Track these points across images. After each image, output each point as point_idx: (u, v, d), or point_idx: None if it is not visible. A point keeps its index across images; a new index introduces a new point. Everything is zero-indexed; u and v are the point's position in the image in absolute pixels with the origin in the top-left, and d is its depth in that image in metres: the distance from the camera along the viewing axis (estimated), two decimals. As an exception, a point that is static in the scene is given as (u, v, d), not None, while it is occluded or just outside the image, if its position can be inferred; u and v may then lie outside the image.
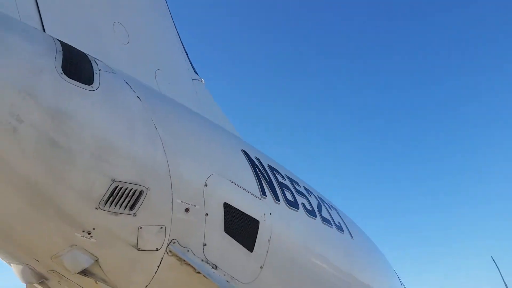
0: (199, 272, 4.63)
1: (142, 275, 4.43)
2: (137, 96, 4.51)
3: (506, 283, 20.79)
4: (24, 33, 3.82)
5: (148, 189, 4.19)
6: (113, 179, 3.92)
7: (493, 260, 22.14)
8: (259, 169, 6.06)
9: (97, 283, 4.38)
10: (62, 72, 3.78)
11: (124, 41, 5.91)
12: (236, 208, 5.19)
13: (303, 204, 6.88)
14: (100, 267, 4.14)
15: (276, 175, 6.61)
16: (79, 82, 3.89)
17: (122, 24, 5.95)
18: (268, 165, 6.55)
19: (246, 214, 5.33)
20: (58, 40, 4.04)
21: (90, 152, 3.81)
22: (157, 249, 4.38)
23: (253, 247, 5.37)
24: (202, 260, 4.79)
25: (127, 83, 4.56)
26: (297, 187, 7.17)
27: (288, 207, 6.34)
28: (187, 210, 4.61)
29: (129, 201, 4.08)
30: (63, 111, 3.69)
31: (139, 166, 4.19)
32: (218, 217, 4.95)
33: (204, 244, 4.81)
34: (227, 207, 5.08)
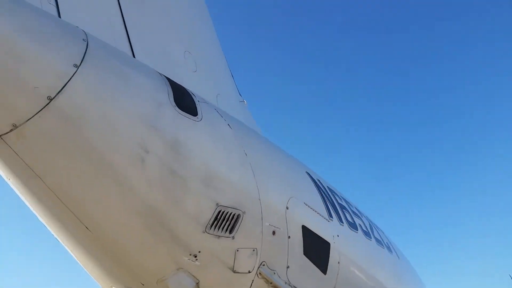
0: None
1: None
2: (228, 125, 4.71)
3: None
4: (143, 70, 4.05)
5: (244, 212, 4.33)
6: (217, 204, 4.08)
7: None
8: (323, 191, 6.21)
9: None
10: (175, 105, 4.01)
11: (193, 69, 6.14)
12: (312, 231, 5.31)
13: (360, 225, 7.00)
14: None
15: (335, 196, 6.75)
16: (189, 114, 4.12)
17: (191, 53, 6.20)
18: (327, 186, 6.69)
19: (320, 237, 5.45)
20: (164, 75, 4.27)
21: (200, 179, 4.01)
22: (249, 272, 4.49)
23: (327, 269, 5.47)
24: (286, 283, 4.88)
25: (217, 111, 4.77)
26: (352, 208, 7.30)
27: (350, 228, 6.46)
28: (273, 233, 4.73)
29: (229, 225, 4.22)
30: (180, 142, 3.91)
31: (237, 191, 4.36)
32: (298, 240, 5.07)
33: (287, 267, 4.91)
34: (305, 230, 5.20)
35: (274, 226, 4.75)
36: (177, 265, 4.03)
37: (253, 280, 4.56)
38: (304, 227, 5.20)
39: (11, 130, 3.29)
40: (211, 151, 4.24)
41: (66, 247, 4.31)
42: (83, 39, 3.57)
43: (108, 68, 3.67)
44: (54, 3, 4.19)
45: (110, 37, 4.57)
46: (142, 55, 5.04)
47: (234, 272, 4.36)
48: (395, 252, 8.64)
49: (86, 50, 3.50)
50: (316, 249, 5.36)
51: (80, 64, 3.40)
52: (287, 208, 5.00)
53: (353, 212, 7.21)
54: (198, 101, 4.45)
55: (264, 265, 4.64)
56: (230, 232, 4.25)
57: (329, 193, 6.51)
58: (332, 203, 6.29)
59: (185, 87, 4.52)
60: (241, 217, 4.31)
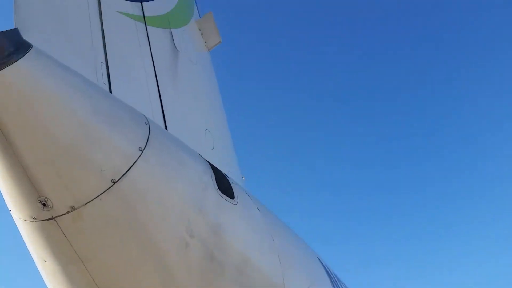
0: None
1: None
2: (257, 207, 4.73)
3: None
4: (191, 153, 4.10)
5: None
6: None
7: None
8: (332, 278, 6.21)
9: None
10: (217, 188, 4.02)
11: (211, 147, 6.24)
12: None
13: None
14: None
15: (338, 282, 6.74)
16: (228, 197, 4.12)
17: (210, 131, 6.34)
18: (332, 271, 6.70)
19: None
20: (205, 159, 4.33)
21: (235, 265, 3.93)
22: None
23: None
24: None
25: (247, 194, 4.81)
26: None
27: None
28: None
29: None
30: (221, 226, 3.86)
31: (266, 279, 4.28)
32: None
33: None
34: None
35: None
36: None
37: None
38: None
39: (68, 212, 3.18)
40: (247, 236, 4.20)
41: None
42: (145, 123, 3.62)
43: (165, 152, 3.70)
44: (106, 80, 4.29)
45: (148, 112, 4.66)
46: (174, 132, 5.12)
47: None
48: None
49: (149, 133, 3.54)
50: None
51: (144, 148, 3.43)
52: None
53: None
54: (233, 183, 4.49)
55: None
56: None
57: (336, 279, 6.50)
58: None
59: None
60: None
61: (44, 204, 3.15)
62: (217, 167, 4.53)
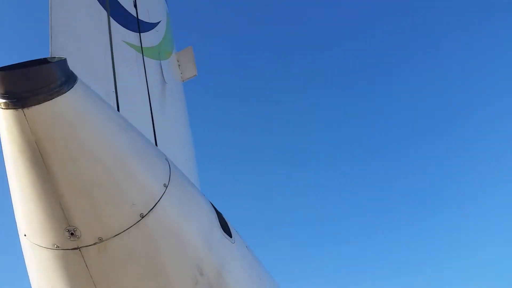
0: None
1: None
2: (246, 246, 5.00)
3: None
4: (198, 191, 4.28)
5: None
6: None
7: None
8: None
9: None
10: (220, 227, 4.23)
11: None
12: None
13: None
14: None
15: None
16: (229, 236, 4.35)
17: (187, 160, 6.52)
18: None
19: None
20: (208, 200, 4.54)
21: None
22: None
23: None
24: None
25: (237, 233, 5.06)
26: None
27: None
28: None
29: None
30: (224, 265, 4.06)
31: None
32: None
33: None
34: None
35: None
36: None
37: None
38: None
39: (95, 243, 3.22)
40: (243, 275, 4.43)
41: None
42: (165, 159, 3.78)
43: (183, 189, 3.87)
44: (116, 109, 4.36)
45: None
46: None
47: None
48: None
49: (170, 170, 3.71)
50: None
51: (168, 184, 3.58)
52: None
53: None
54: (228, 222, 4.72)
55: None
56: None
57: None
58: None
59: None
60: None
61: (72, 234, 3.17)
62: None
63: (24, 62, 3.04)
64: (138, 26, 5.66)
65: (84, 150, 3.08)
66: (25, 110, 2.84)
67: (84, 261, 3.26)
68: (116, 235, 3.25)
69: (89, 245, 3.21)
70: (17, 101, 2.81)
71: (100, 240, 3.22)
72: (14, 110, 2.83)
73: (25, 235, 3.37)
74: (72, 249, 3.22)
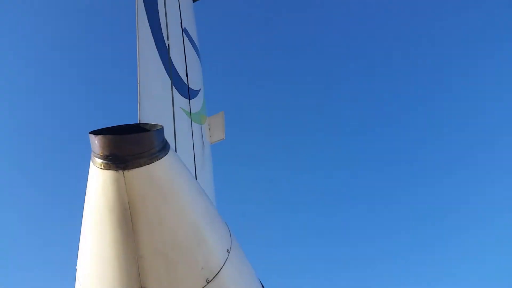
0: None
1: None
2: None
3: None
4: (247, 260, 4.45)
5: None
6: None
7: None
8: None
9: None
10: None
11: None
12: None
13: None
14: None
15: None
16: None
17: None
18: None
19: None
20: None
21: None
22: None
23: None
24: None
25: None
26: None
27: None
28: None
29: None
30: None
31: None
32: None
33: None
34: None
35: None
36: None
37: None
38: None
39: None
40: None
41: None
42: (226, 224, 3.98)
43: (239, 253, 4.04)
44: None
45: None
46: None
47: None
48: None
49: (230, 235, 3.89)
50: None
51: (230, 249, 3.75)
52: None
53: None
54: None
55: None
56: None
57: None
58: None
59: None
60: None
61: None
62: None
63: (117, 126, 3.31)
64: (188, 93, 6.08)
65: (169, 214, 3.26)
66: (125, 172, 3.04)
67: None
68: None
69: None
70: (119, 163, 3.02)
71: None
72: (115, 171, 3.03)
73: None
74: None
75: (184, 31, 6.66)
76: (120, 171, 3.04)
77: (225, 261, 3.60)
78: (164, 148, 3.26)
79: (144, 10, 4.84)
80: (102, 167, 3.04)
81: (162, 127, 3.30)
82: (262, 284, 4.70)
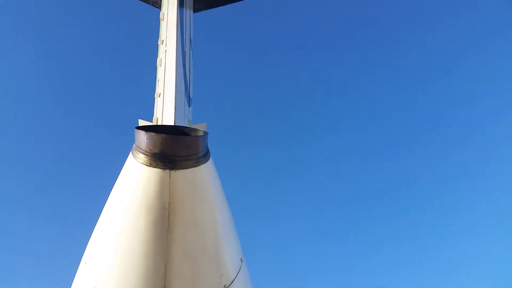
0: None
1: None
2: None
3: None
4: None
5: None
6: None
7: None
8: None
9: None
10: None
11: None
12: None
13: None
14: None
15: None
16: None
17: None
18: None
19: None
20: None
21: None
22: None
23: None
24: None
25: None
26: None
27: None
28: None
29: None
30: None
31: None
32: None
33: None
34: None
35: None
36: None
37: None
38: None
39: None
40: None
41: None
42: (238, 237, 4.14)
43: (245, 264, 4.19)
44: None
45: None
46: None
47: None
48: None
49: (241, 247, 4.06)
50: None
51: (242, 259, 3.92)
52: None
53: None
54: None
55: None
56: None
57: None
58: None
59: None
60: None
61: None
62: None
63: (158, 125, 3.38)
64: (189, 100, 6.17)
65: (204, 218, 3.36)
66: (172, 172, 3.10)
67: None
68: None
69: None
70: (168, 162, 3.08)
71: None
72: (161, 170, 3.08)
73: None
74: None
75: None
76: (167, 170, 3.08)
77: (239, 269, 3.74)
78: (207, 153, 3.37)
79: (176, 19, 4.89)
80: (148, 164, 3.07)
81: (207, 133, 3.39)
82: None
